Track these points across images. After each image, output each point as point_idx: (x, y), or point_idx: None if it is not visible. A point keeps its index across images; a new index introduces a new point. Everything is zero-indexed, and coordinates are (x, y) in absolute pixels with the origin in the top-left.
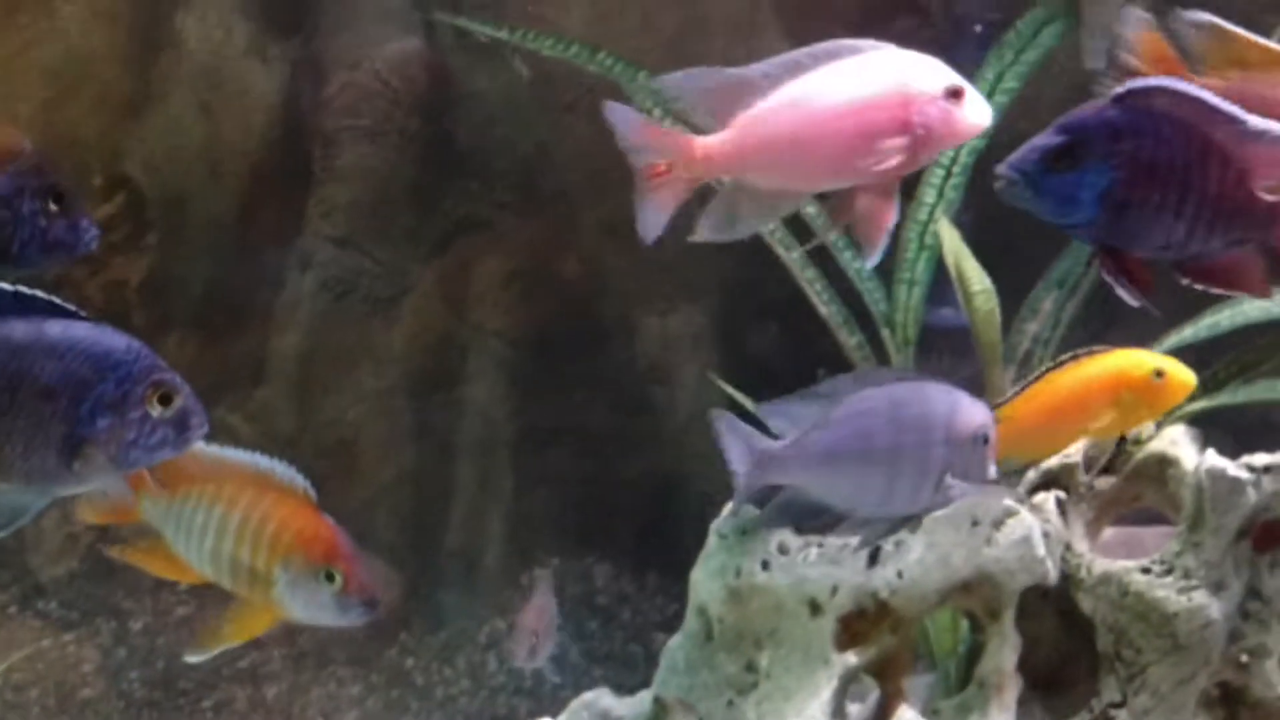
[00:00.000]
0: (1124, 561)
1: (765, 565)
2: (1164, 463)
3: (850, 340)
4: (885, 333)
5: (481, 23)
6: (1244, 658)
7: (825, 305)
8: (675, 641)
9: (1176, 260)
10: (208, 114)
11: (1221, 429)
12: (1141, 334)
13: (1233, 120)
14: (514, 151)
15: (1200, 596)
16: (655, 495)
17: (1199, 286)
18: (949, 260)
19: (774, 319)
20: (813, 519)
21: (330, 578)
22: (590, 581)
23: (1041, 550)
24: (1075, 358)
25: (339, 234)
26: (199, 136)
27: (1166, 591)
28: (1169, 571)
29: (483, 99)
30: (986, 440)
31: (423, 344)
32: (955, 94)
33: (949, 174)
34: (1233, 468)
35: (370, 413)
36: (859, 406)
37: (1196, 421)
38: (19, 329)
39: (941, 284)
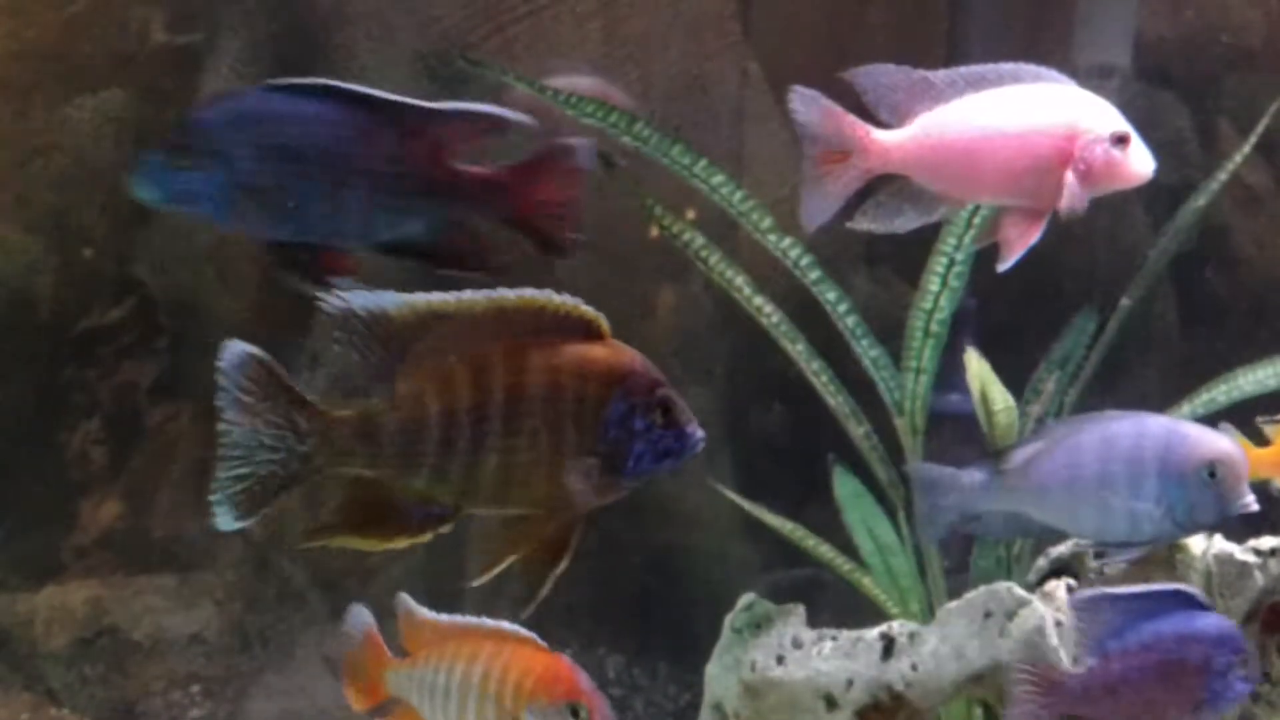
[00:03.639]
0: None
1: (780, 659)
2: (1172, 547)
3: (858, 431)
4: (898, 421)
5: (529, 83)
6: None
7: (833, 396)
8: None
9: (380, 245)
10: None
11: None
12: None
13: (411, 106)
14: (523, 243)
15: None
16: (665, 583)
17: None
18: (973, 385)
19: (780, 404)
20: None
21: (575, 713)
22: (602, 671)
23: (1055, 640)
24: None
25: None
26: (208, 239)
27: None
28: None
29: None
30: (1214, 474)
31: None
32: (1122, 140)
33: (952, 262)
34: (1240, 552)
35: None
36: (1071, 440)
37: None
38: (539, 356)
39: (945, 370)
